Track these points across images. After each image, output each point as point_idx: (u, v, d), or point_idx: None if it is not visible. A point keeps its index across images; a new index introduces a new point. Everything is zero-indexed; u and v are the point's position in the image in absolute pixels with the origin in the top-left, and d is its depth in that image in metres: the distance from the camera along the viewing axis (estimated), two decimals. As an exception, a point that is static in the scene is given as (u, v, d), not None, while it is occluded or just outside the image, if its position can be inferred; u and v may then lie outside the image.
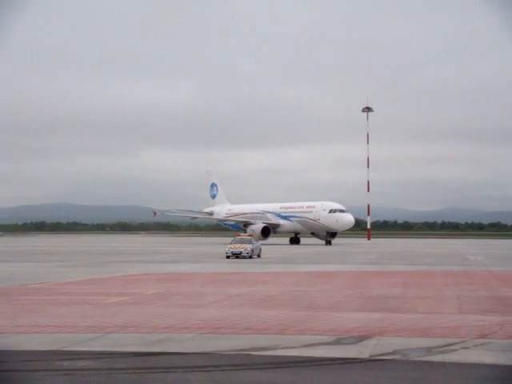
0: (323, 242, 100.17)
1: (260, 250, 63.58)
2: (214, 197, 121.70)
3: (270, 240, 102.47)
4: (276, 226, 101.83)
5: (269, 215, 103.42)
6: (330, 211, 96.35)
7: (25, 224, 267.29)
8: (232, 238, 67.29)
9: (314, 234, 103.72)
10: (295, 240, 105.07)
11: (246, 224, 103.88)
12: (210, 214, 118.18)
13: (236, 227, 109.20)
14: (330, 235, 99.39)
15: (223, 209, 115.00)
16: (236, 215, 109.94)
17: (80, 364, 13.75)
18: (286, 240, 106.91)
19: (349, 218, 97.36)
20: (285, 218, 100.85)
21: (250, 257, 58.87)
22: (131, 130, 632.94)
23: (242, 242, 61.75)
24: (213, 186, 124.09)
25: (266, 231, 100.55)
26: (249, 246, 59.82)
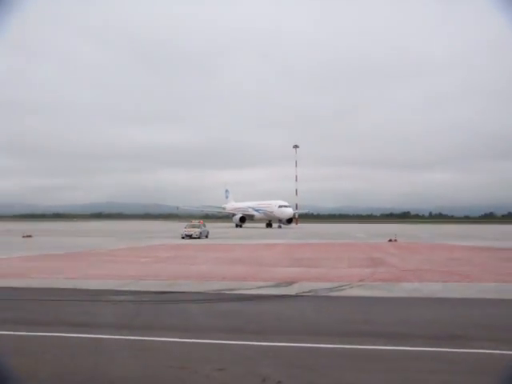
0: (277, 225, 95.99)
1: (208, 232, 55.86)
2: (226, 197, 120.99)
3: (253, 224, 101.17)
4: (252, 216, 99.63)
5: (249, 210, 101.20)
6: (279, 206, 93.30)
7: (92, 214, 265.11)
8: (187, 223, 60.08)
9: (271, 221, 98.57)
10: (269, 225, 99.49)
11: (234, 214, 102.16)
12: (223, 208, 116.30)
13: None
14: (286, 221, 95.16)
15: (230, 205, 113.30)
16: (234, 209, 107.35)
17: (122, 298, 13.80)
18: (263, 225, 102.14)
19: (289, 211, 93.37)
20: (257, 211, 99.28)
21: (199, 237, 51.38)
22: (151, 157, 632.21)
23: (193, 226, 55.04)
24: (226, 191, 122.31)
25: (242, 219, 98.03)
26: (198, 230, 53.07)
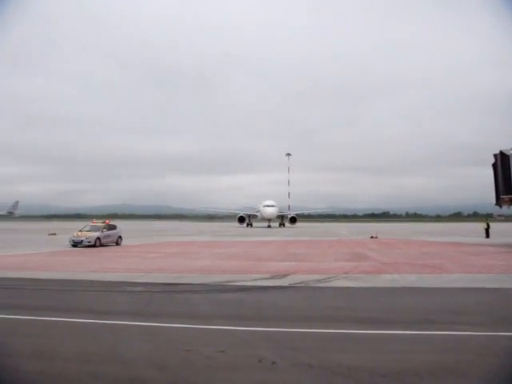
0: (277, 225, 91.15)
1: (119, 237, 35.59)
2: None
3: (263, 224, 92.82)
4: (254, 216, 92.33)
5: (254, 210, 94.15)
6: (264, 206, 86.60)
7: (107, 214, 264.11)
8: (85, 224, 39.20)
9: (270, 220, 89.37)
10: (282, 224, 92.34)
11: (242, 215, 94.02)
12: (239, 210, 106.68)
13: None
14: (289, 221, 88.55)
15: (244, 207, 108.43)
16: (244, 209, 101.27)
17: (136, 288, 13.79)
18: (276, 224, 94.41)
19: (269, 210, 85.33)
20: (258, 211, 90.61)
21: (94, 245, 32.13)
22: (160, 164, 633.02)
23: (92, 229, 34.51)
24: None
25: (241, 219, 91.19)
26: (93, 235, 32.81)
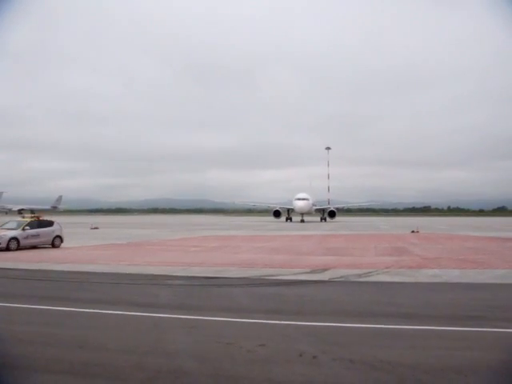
0: (318, 219, 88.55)
1: (56, 237, 26.80)
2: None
3: (294, 218, 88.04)
4: (291, 209, 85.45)
5: (291, 205, 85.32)
6: (295, 199, 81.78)
7: (149, 209, 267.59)
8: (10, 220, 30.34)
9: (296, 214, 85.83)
10: (323, 219, 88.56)
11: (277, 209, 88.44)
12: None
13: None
14: (328, 215, 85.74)
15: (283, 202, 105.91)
16: (282, 204, 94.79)
17: (177, 282, 14.01)
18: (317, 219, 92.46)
19: (300, 204, 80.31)
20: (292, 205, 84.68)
21: (7, 249, 24.12)
22: (201, 159, 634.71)
23: (10, 227, 26.04)
24: None
25: (277, 213, 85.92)
26: (9, 234, 24.61)
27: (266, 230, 52.02)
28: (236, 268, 17.23)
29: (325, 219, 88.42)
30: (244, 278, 14.87)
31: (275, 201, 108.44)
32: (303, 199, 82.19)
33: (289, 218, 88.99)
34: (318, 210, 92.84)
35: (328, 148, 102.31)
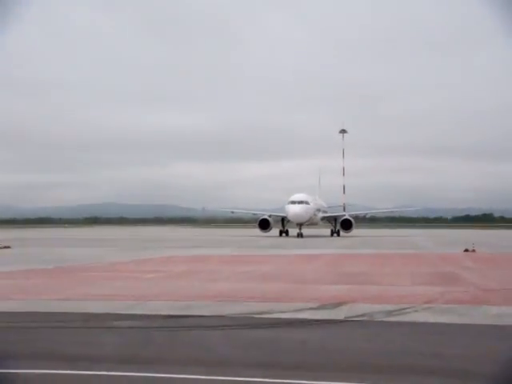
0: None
1: None
2: None
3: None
4: (287, 219, 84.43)
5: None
6: (289, 202, 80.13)
7: (85, 218, 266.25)
8: None
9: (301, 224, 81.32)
10: (334, 232, 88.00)
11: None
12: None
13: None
14: (341, 226, 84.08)
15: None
16: (271, 211, 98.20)
17: (126, 323, 13.92)
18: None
19: (294, 210, 78.56)
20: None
21: None
22: (162, 147, 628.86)
23: None
24: None
25: (264, 224, 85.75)
26: None
27: (254, 248, 52.03)
28: (212, 302, 17.19)
29: (337, 232, 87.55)
30: (223, 316, 14.81)
31: (270, 206, 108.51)
32: (300, 202, 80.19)
33: (284, 232, 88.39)
34: (327, 220, 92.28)
35: (343, 131, 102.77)
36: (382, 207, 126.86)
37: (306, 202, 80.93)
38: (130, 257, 39.47)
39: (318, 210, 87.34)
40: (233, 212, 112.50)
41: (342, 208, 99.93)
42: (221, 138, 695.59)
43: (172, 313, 15.35)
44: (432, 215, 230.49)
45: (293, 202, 79.96)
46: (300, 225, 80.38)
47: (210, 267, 30.54)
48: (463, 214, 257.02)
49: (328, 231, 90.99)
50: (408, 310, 15.70)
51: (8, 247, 51.12)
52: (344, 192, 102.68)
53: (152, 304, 16.95)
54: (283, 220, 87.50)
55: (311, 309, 15.96)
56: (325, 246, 54.30)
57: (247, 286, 21.64)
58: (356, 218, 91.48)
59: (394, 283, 22.51)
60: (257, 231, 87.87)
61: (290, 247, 53.58)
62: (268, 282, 23.01)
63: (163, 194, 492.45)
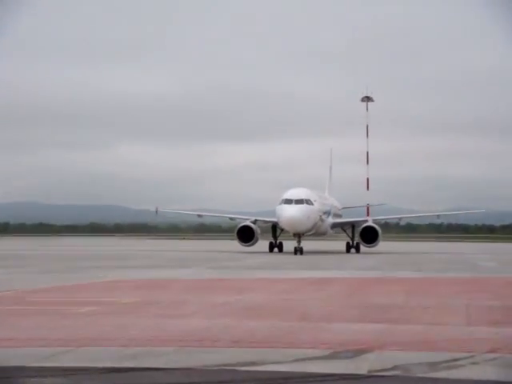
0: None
1: None
2: None
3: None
4: (279, 226, 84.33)
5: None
6: (282, 201, 79.92)
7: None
8: None
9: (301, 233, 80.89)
10: (351, 246, 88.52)
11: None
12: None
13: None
14: (361, 238, 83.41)
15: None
16: (258, 215, 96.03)
17: (48, 381, 13.81)
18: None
19: (288, 213, 77.89)
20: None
21: None
22: (100, 122, 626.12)
23: None
24: None
25: (245, 233, 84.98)
26: None
27: (234, 269, 52.26)
28: (174, 349, 17.07)
29: (356, 247, 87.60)
30: (190, 369, 14.69)
31: (256, 208, 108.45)
32: (299, 202, 79.83)
33: (276, 245, 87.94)
34: (340, 227, 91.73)
35: (367, 98, 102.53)
36: (423, 210, 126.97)
37: (308, 202, 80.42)
38: (54, 282, 39.38)
39: (327, 214, 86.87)
40: (200, 216, 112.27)
41: (366, 211, 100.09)
42: (186, 109, 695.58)
43: (115, 364, 15.19)
44: (498, 222, 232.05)
45: (288, 202, 79.71)
46: (299, 235, 79.80)
47: (172, 296, 30.53)
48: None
49: (343, 245, 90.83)
50: (462, 362, 15.57)
51: None
52: (368, 188, 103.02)
53: (86, 351, 16.81)
54: (274, 228, 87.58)
55: (320, 358, 15.86)
56: (337, 267, 54.51)
57: (227, 323, 21.57)
58: (384, 225, 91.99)
59: (440, 321, 22.49)
60: (235, 244, 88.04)
61: (288, 267, 53.82)
62: (257, 318, 22.95)
63: (104, 190, 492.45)
